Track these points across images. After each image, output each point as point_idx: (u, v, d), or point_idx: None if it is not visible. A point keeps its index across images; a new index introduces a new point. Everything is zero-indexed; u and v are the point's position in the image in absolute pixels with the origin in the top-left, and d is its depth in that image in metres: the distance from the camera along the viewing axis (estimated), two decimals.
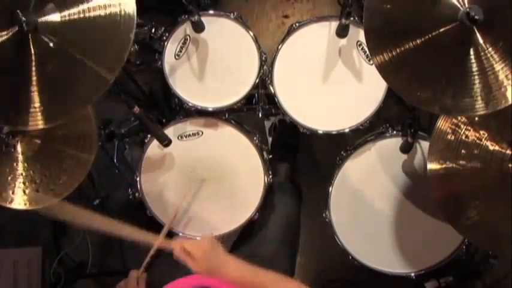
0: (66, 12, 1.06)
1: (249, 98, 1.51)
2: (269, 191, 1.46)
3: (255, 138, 1.48)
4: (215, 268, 1.02)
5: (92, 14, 1.05)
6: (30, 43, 1.07)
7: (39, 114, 1.09)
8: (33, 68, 1.08)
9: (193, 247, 1.04)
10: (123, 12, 1.04)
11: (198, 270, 1.03)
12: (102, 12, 1.05)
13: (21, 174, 1.25)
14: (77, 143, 1.26)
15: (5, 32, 1.08)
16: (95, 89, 1.07)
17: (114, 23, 1.04)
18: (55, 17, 1.06)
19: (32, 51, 1.07)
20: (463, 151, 1.18)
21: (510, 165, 1.15)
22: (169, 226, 1.35)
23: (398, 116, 1.83)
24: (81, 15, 1.05)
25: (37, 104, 1.09)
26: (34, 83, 1.08)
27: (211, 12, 1.42)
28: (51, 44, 1.06)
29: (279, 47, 1.42)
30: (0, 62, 1.11)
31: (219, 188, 1.46)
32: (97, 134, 1.33)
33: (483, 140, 1.17)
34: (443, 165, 1.20)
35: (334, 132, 1.44)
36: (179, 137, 1.45)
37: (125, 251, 2.05)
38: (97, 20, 1.05)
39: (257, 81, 1.43)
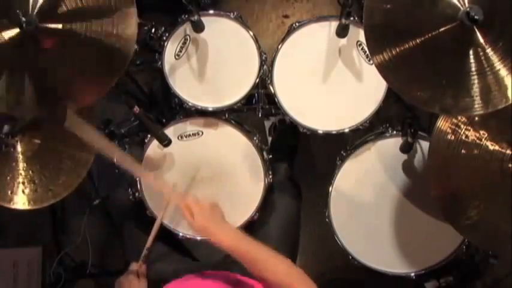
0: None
1: (249, 98, 1.51)
2: (269, 191, 1.46)
3: (255, 138, 1.47)
4: (211, 230, 1.06)
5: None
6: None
7: None
8: None
9: (194, 203, 1.09)
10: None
11: (195, 226, 1.07)
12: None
13: (21, 174, 1.25)
14: (77, 143, 1.26)
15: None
16: None
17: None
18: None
19: None
20: (463, 151, 1.17)
21: (510, 165, 1.15)
22: (162, 217, 1.32)
23: (398, 115, 1.82)
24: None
25: None
26: None
27: (211, 12, 1.42)
28: None
29: (279, 46, 1.42)
30: None
31: (219, 188, 1.46)
32: None
33: (483, 140, 1.16)
34: (443, 166, 1.20)
35: (334, 132, 1.44)
36: (179, 137, 1.45)
37: (125, 251, 2.05)
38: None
39: (257, 81, 1.43)
